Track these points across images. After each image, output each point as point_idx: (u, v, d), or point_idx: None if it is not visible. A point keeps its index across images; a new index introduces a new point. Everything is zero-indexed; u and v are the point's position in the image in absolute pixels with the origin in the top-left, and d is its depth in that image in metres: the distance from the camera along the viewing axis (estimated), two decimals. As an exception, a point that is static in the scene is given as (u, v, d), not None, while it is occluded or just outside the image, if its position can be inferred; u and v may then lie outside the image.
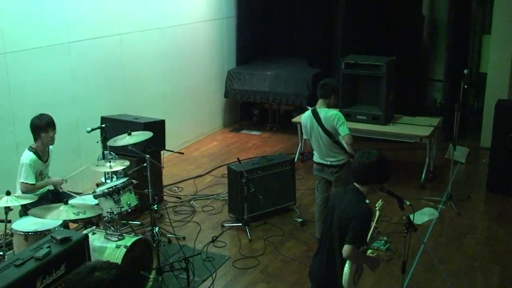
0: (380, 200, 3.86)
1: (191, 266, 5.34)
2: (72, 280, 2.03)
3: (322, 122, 5.64)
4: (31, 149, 5.48)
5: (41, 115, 5.51)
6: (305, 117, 5.82)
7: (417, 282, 5.38)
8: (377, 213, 3.81)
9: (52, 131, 5.51)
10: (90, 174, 6.64)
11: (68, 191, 5.67)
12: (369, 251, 5.64)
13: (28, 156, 5.42)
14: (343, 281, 3.66)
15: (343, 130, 5.58)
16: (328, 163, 5.77)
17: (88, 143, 6.67)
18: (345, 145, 5.66)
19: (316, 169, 5.93)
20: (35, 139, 5.49)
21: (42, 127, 5.44)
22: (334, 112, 5.67)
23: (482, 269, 5.61)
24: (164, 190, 7.28)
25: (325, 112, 5.66)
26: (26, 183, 5.36)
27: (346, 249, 3.59)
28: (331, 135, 5.64)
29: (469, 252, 5.94)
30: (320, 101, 5.74)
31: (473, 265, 5.67)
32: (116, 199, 5.20)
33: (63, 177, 5.70)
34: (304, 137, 5.90)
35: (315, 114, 5.69)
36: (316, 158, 5.88)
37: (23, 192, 5.33)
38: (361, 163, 3.72)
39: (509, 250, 5.95)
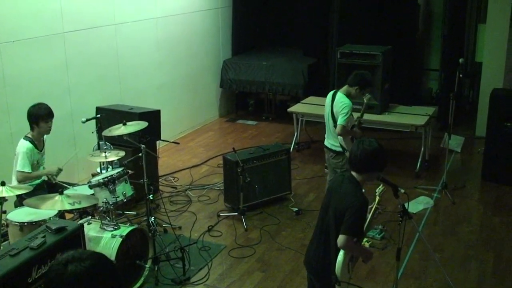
0: (382, 185, 3.87)
1: (187, 255, 5.38)
2: (50, 277, 1.91)
3: (334, 103, 5.73)
4: (27, 138, 5.45)
5: (39, 104, 5.49)
6: (328, 95, 5.95)
7: (412, 270, 5.40)
8: (377, 198, 3.86)
9: (51, 121, 5.51)
10: (85, 164, 6.65)
11: (60, 182, 5.60)
12: (365, 239, 5.71)
13: (24, 145, 5.40)
14: (336, 269, 3.67)
15: (340, 119, 5.62)
16: (329, 145, 5.91)
17: (83, 133, 6.67)
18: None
19: (325, 152, 6.09)
20: (32, 128, 5.47)
21: (43, 116, 5.42)
22: (346, 100, 5.67)
23: (476, 257, 5.64)
24: (159, 180, 7.27)
25: (340, 97, 5.72)
26: (22, 171, 5.34)
27: (341, 239, 3.59)
28: (334, 119, 5.74)
29: (464, 240, 5.97)
30: (345, 86, 5.82)
31: (467, 253, 5.71)
32: (111, 189, 5.20)
33: (59, 165, 5.64)
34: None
35: (334, 95, 5.81)
36: (325, 140, 6.04)
37: (19, 181, 5.32)
38: (359, 152, 3.70)
39: (503, 238, 5.98)
